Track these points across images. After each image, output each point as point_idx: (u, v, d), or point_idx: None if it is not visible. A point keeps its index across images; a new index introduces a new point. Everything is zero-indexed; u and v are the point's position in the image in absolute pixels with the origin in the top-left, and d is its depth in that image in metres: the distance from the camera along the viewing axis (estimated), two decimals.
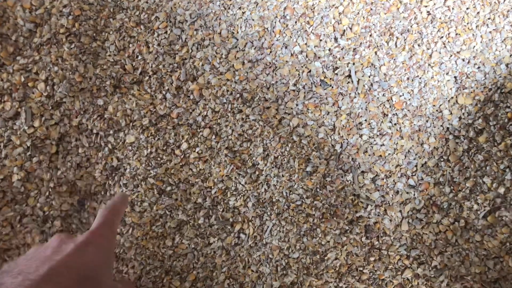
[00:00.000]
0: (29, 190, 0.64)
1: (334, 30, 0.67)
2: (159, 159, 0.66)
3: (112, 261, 0.39)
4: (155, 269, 0.65)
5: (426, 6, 0.67)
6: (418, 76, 0.67)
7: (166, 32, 0.68)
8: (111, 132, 0.66)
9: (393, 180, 0.67)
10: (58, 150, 0.65)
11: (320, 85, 0.67)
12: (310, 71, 0.67)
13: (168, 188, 0.65)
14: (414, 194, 0.66)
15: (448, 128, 0.67)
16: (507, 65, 0.66)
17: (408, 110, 0.67)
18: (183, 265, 0.65)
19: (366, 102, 0.67)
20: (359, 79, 0.67)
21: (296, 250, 0.65)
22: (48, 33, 0.66)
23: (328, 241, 0.65)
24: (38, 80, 0.65)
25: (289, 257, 0.65)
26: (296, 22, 0.67)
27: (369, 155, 0.67)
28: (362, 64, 0.67)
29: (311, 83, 0.67)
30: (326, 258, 0.65)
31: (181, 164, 0.66)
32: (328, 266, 0.65)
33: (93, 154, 0.66)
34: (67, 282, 0.32)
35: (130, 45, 0.68)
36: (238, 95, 0.67)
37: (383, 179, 0.67)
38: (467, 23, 0.66)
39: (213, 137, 0.66)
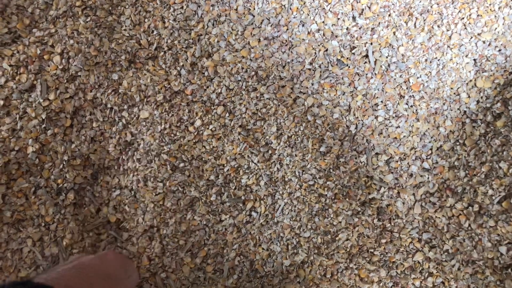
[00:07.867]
0: (43, 162, 0.64)
1: (352, 9, 0.66)
2: (172, 135, 0.66)
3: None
4: None
5: None
6: (436, 57, 0.65)
7: (182, 7, 0.67)
8: (125, 107, 0.66)
9: (408, 163, 0.66)
10: (73, 124, 0.65)
11: (337, 64, 0.66)
12: (326, 50, 0.66)
13: (181, 165, 0.65)
14: (428, 178, 0.65)
15: (465, 111, 0.66)
16: None
17: (425, 92, 0.66)
18: (194, 241, 0.65)
19: (382, 83, 0.66)
20: (376, 60, 0.66)
21: (307, 229, 0.65)
22: (64, 5, 0.66)
23: (340, 222, 0.65)
24: (54, 53, 0.65)
25: (300, 236, 0.65)
26: None
27: (384, 137, 0.66)
28: (380, 44, 0.66)
29: (328, 62, 0.66)
30: (337, 238, 0.65)
31: (194, 141, 0.66)
32: (339, 247, 0.65)
33: (107, 128, 0.66)
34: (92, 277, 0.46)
35: (146, 20, 0.67)
36: (253, 73, 0.66)
37: (397, 161, 0.66)
38: (490, 4, 0.65)
39: (227, 115, 0.66)
